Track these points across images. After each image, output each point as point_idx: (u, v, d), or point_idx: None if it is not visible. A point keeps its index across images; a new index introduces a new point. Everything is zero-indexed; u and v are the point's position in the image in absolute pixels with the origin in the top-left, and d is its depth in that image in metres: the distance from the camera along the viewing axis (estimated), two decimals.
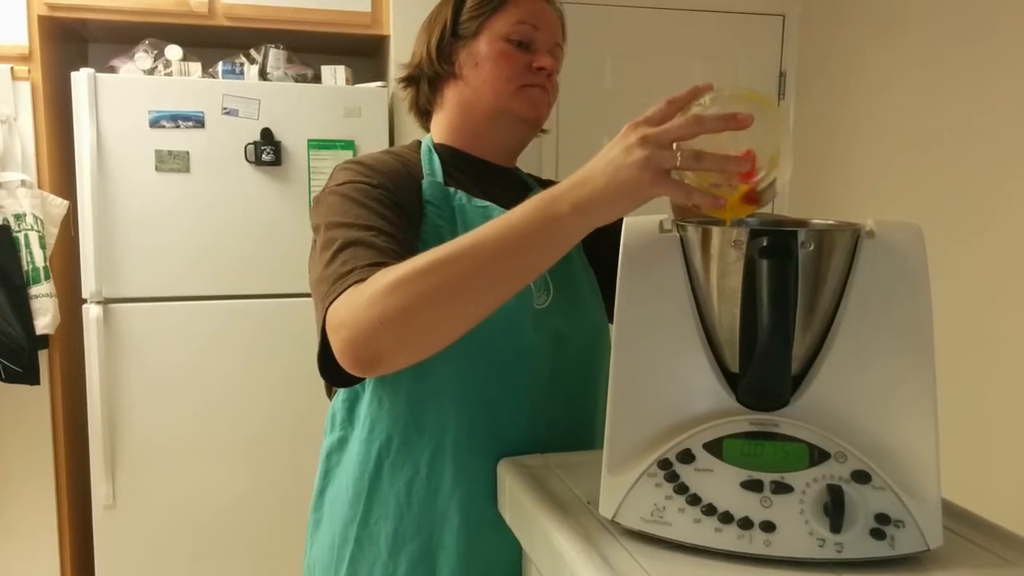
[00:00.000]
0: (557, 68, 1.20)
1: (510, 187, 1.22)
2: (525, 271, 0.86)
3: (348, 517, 1.11)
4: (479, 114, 1.18)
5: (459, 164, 1.19)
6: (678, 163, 0.77)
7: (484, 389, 1.08)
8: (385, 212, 1.03)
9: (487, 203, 1.13)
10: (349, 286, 0.91)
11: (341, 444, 1.14)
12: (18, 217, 2.35)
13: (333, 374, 0.97)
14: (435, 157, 1.17)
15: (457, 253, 0.84)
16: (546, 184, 1.27)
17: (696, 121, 0.77)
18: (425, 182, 1.12)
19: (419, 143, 1.21)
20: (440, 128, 1.22)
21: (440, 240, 0.94)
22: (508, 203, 1.09)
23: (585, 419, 1.17)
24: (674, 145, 0.77)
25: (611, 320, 0.96)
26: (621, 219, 0.86)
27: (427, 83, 1.22)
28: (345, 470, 1.13)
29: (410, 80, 1.25)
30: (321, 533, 1.16)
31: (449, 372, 1.07)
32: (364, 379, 1.09)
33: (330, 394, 1.20)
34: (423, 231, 1.07)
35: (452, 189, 1.13)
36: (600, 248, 1.20)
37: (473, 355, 1.06)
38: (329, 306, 0.91)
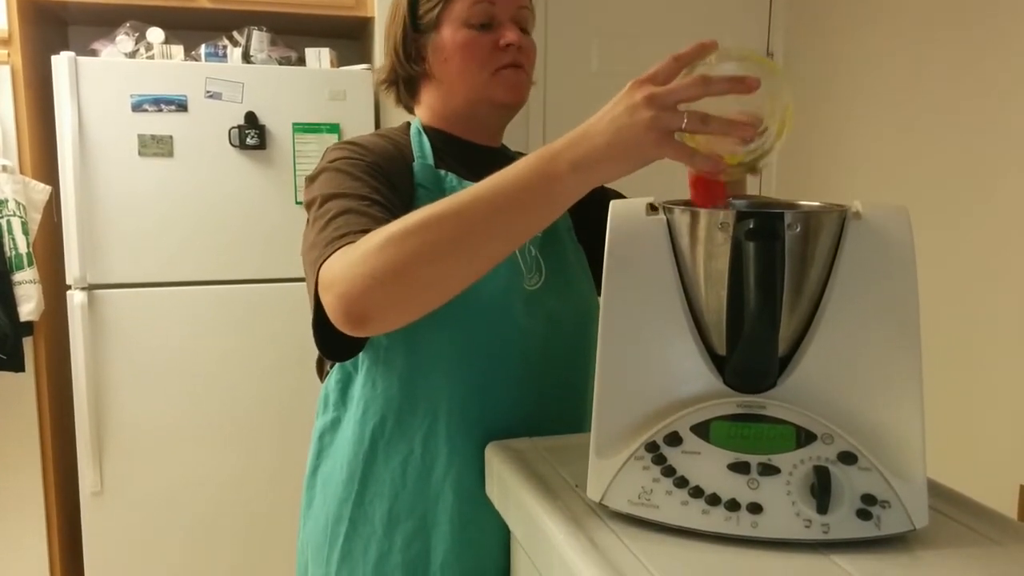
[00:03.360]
0: (529, 28, 1.18)
1: (499, 166, 1.20)
2: (521, 230, 0.84)
3: (342, 496, 1.12)
4: (459, 105, 1.17)
5: (448, 147, 1.18)
6: (684, 125, 0.75)
7: (477, 369, 1.09)
8: (378, 185, 1.03)
9: (463, 183, 1.12)
10: (342, 247, 0.89)
11: (334, 425, 1.15)
12: (0, 203, 2.33)
13: (328, 347, 0.97)
14: (425, 140, 1.16)
15: (452, 211, 0.82)
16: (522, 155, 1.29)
17: (703, 82, 0.75)
18: (416, 164, 1.12)
19: (408, 125, 1.21)
20: (425, 114, 1.22)
21: None
22: None
23: (577, 399, 1.17)
24: (680, 106, 0.75)
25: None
26: (608, 200, 0.86)
27: (403, 84, 1.22)
28: (339, 450, 1.13)
29: (389, 83, 1.23)
30: (314, 512, 1.16)
31: (442, 353, 1.07)
32: (358, 355, 1.09)
33: (321, 375, 1.20)
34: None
35: (443, 172, 1.13)
36: (587, 226, 1.20)
37: (465, 336, 1.07)
38: (321, 266, 0.90)
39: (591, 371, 1.17)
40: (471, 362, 1.08)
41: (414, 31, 1.17)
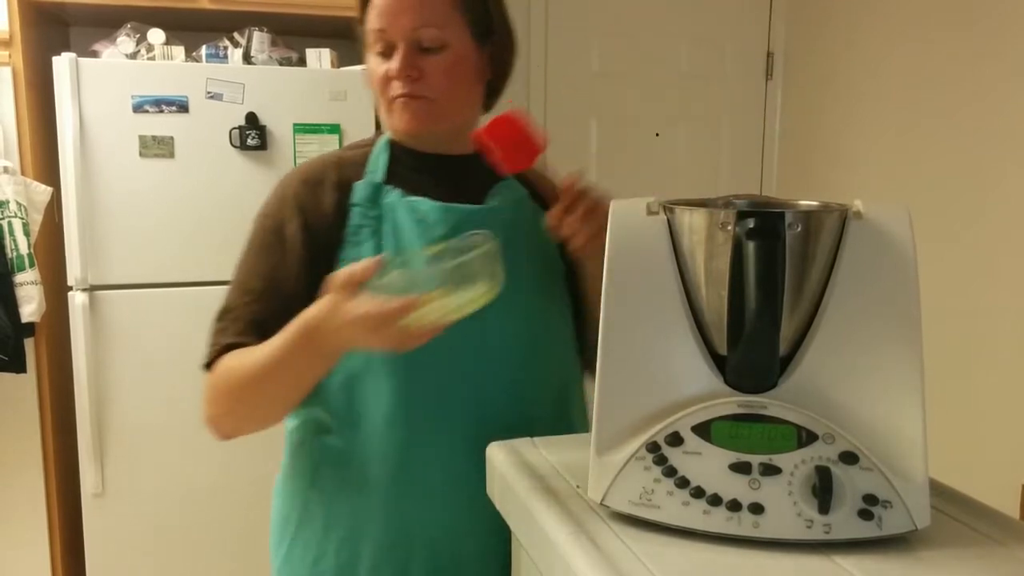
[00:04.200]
0: (440, 43, 1.08)
1: (473, 174, 1.16)
2: (303, 382, 1.05)
3: (293, 496, 1.18)
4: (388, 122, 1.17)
5: (409, 161, 1.17)
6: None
7: (403, 379, 1.10)
8: (271, 264, 1.12)
9: (419, 198, 1.12)
10: (211, 362, 1.09)
11: (298, 424, 1.19)
12: (1, 204, 2.33)
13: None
14: (383, 156, 1.16)
15: (249, 375, 1.03)
16: None
17: (391, 314, 0.88)
18: (361, 183, 1.13)
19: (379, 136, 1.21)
20: None
21: (359, 240, 1.10)
22: (471, 192, 1.15)
23: (524, 407, 1.16)
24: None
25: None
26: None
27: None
28: (296, 450, 1.19)
29: None
30: (275, 509, 1.23)
31: (374, 362, 1.09)
32: None
33: None
34: (345, 233, 1.11)
35: (389, 187, 1.13)
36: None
37: (404, 359, 1.06)
38: (205, 366, 1.10)
39: (541, 378, 1.19)
40: (400, 371, 1.09)
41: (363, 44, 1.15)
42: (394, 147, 1.18)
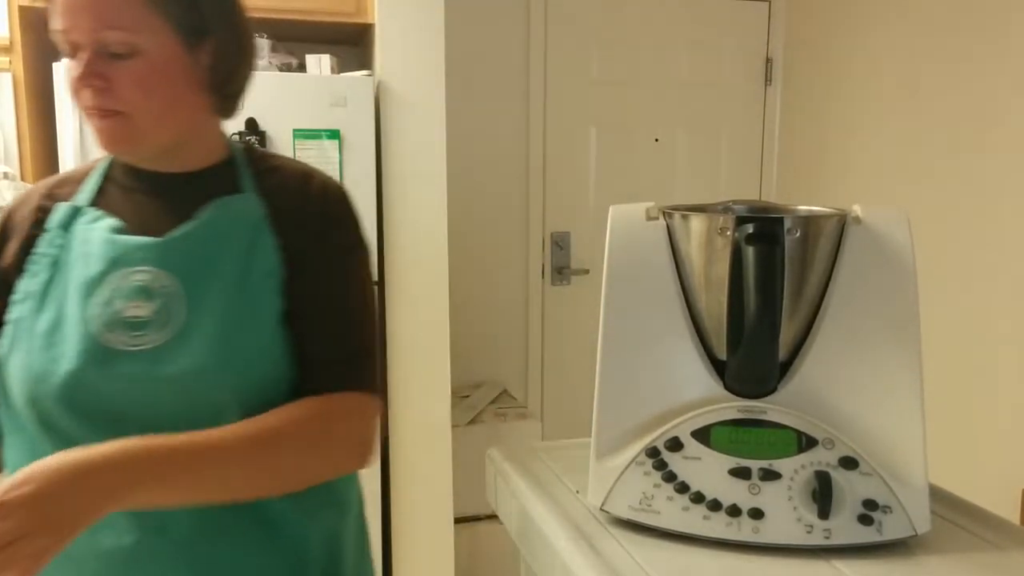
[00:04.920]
0: (131, 49, 0.90)
1: (194, 193, 0.99)
2: None
3: None
4: None
5: (123, 179, 1.01)
6: None
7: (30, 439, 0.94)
8: None
9: (98, 225, 0.96)
10: None
11: None
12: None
13: None
14: (98, 174, 1.02)
15: None
16: (259, 160, 1.05)
17: None
18: (62, 206, 0.98)
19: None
20: None
21: (36, 271, 0.94)
22: (165, 220, 0.96)
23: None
24: None
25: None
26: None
27: None
28: None
29: None
30: None
31: (15, 423, 0.96)
32: None
33: None
34: (30, 260, 0.96)
35: (88, 209, 0.98)
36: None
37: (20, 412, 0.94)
38: None
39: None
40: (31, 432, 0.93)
41: None
42: (115, 162, 1.03)
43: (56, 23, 0.90)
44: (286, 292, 0.96)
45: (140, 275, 0.91)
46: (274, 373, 0.94)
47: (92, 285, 0.92)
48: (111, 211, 0.97)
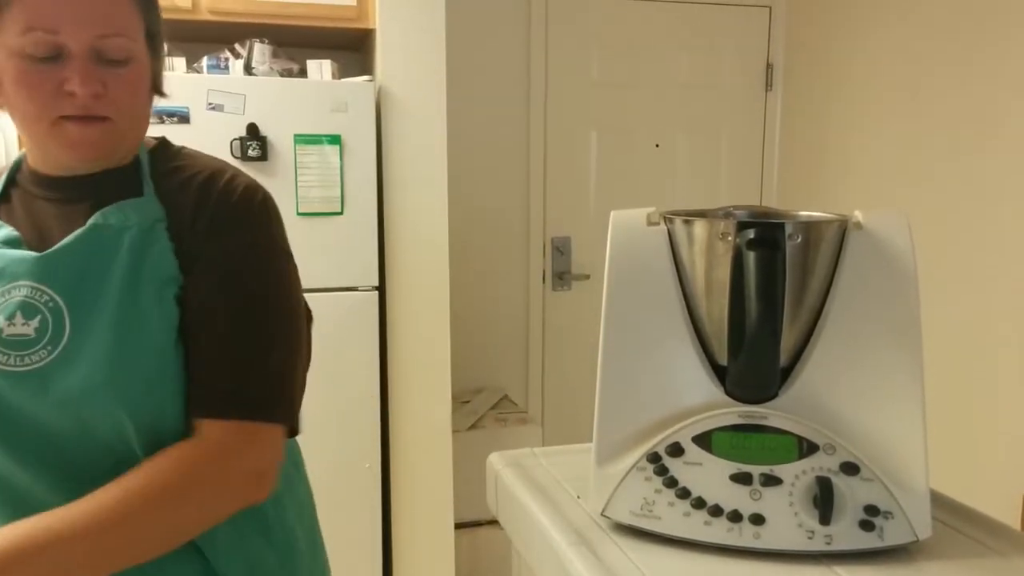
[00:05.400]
0: (129, 54, 0.89)
1: (84, 203, 0.93)
2: None
3: None
4: (27, 141, 0.94)
5: (28, 184, 0.95)
6: None
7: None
8: None
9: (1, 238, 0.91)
10: None
11: None
12: None
13: None
14: (2, 179, 0.97)
15: None
16: (165, 160, 0.98)
17: None
18: None
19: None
20: None
21: None
22: (59, 228, 0.91)
23: None
24: None
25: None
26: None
27: None
28: None
29: None
30: None
31: None
32: None
33: None
34: None
35: None
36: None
37: None
38: None
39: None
40: None
41: None
42: (21, 168, 0.97)
43: (35, 18, 0.83)
44: (183, 302, 0.90)
45: (22, 290, 0.86)
46: (172, 387, 0.88)
47: None
48: (9, 221, 0.92)
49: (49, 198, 0.93)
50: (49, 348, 0.85)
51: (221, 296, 0.90)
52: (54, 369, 0.85)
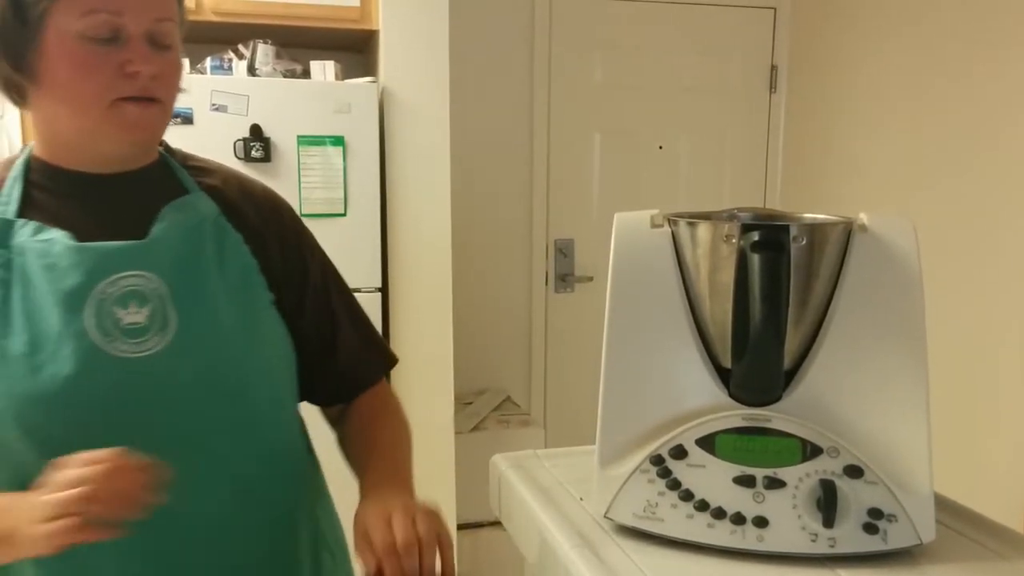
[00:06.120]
0: (174, 41, 0.93)
1: (137, 195, 0.95)
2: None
3: None
4: (70, 132, 0.92)
5: (51, 183, 0.93)
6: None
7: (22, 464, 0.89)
8: None
9: (51, 236, 0.89)
10: None
11: None
12: None
13: None
14: (19, 182, 0.93)
15: None
16: (184, 160, 1.03)
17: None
18: None
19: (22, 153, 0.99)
20: (37, 138, 0.96)
21: None
22: (134, 219, 0.92)
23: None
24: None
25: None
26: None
27: (12, 91, 0.92)
28: None
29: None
30: None
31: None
32: None
33: None
34: None
35: (22, 221, 0.90)
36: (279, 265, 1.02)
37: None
38: None
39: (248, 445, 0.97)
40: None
41: (15, 20, 0.86)
42: (33, 166, 0.94)
43: (95, 5, 0.85)
44: (268, 281, 0.99)
45: (129, 279, 0.88)
46: (283, 351, 1.01)
47: (75, 297, 0.87)
48: (49, 220, 0.91)
49: (84, 196, 0.93)
50: (163, 332, 0.89)
51: (319, 266, 1.08)
52: (171, 354, 0.89)
